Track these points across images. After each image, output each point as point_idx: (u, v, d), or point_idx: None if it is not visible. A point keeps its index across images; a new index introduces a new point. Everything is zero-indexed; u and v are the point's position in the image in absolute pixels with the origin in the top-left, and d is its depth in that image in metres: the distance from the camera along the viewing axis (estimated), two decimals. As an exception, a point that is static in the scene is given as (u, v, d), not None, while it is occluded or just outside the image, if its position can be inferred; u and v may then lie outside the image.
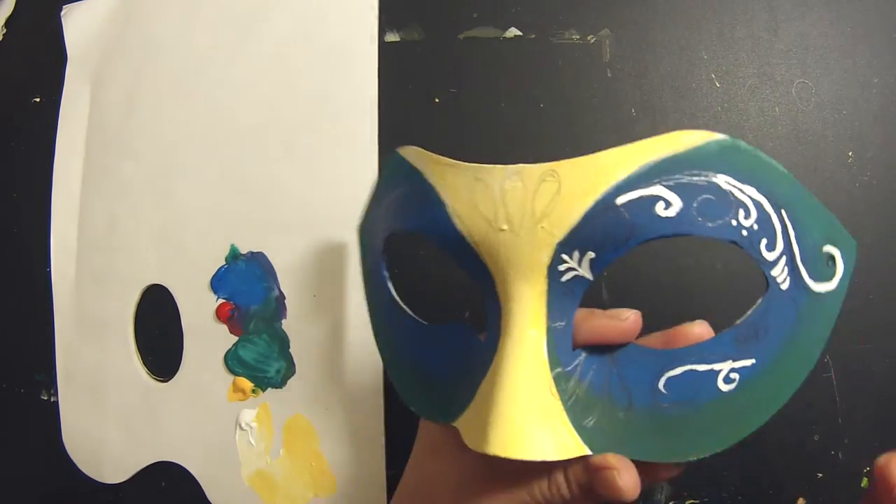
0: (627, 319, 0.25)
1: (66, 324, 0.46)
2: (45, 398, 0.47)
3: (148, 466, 0.43)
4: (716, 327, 0.25)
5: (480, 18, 0.40)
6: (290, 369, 0.40)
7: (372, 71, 0.40)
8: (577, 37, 0.39)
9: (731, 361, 0.24)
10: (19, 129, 0.49)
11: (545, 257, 0.23)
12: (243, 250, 0.42)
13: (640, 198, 0.22)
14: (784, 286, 0.23)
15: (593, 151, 0.23)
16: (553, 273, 0.24)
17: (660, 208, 0.22)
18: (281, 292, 0.41)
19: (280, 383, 0.41)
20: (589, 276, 0.24)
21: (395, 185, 0.29)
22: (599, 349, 0.26)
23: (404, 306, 0.30)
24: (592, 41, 0.38)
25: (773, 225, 0.23)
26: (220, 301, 0.42)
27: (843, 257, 0.25)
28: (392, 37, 0.41)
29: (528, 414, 0.23)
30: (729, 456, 0.34)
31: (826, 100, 0.36)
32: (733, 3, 0.37)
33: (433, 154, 0.26)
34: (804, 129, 0.36)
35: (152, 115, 0.45)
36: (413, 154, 0.27)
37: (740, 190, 0.22)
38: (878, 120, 0.36)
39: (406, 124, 0.40)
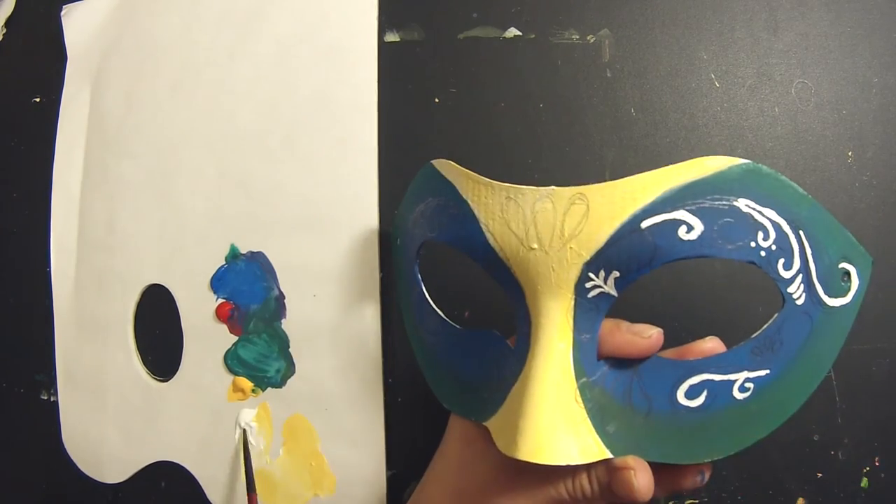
0: (650, 337, 0.27)
1: (66, 324, 0.46)
2: (45, 398, 0.47)
3: (148, 466, 0.43)
4: (730, 335, 0.26)
5: (480, 18, 0.40)
6: (290, 369, 0.40)
7: (372, 71, 0.40)
8: (577, 37, 0.39)
9: (746, 372, 0.25)
10: (19, 129, 0.49)
11: (573, 275, 0.25)
12: (243, 250, 0.42)
13: (664, 222, 0.23)
14: (799, 301, 0.25)
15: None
16: (580, 290, 0.25)
17: (682, 232, 0.23)
18: (281, 292, 0.41)
19: (280, 383, 0.41)
20: (614, 293, 0.25)
21: (428, 194, 0.30)
22: (622, 360, 0.27)
23: (437, 309, 0.31)
24: (592, 41, 0.38)
25: (790, 245, 0.24)
26: (220, 301, 0.42)
27: (858, 273, 0.26)
28: (392, 37, 0.41)
29: (555, 422, 0.25)
30: (729, 456, 0.34)
31: (826, 100, 0.36)
32: (733, 3, 0.37)
33: (467, 170, 0.27)
34: (804, 129, 0.36)
35: (152, 115, 0.45)
36: (447, 167, 0.29)
37: (760, 213, 0.24)
38: (878, 120, 0.36)
39: (406, 124, 0.40)
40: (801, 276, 0.24)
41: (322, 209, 0.40)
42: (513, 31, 0.39)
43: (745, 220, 0.24)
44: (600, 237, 0.24)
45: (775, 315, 0.25)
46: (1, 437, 0.48)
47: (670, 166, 0.24)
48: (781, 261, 0.24)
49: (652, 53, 0.38)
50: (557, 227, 0.24)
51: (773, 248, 0.24)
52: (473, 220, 0.27)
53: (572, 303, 0.25)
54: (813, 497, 0.34)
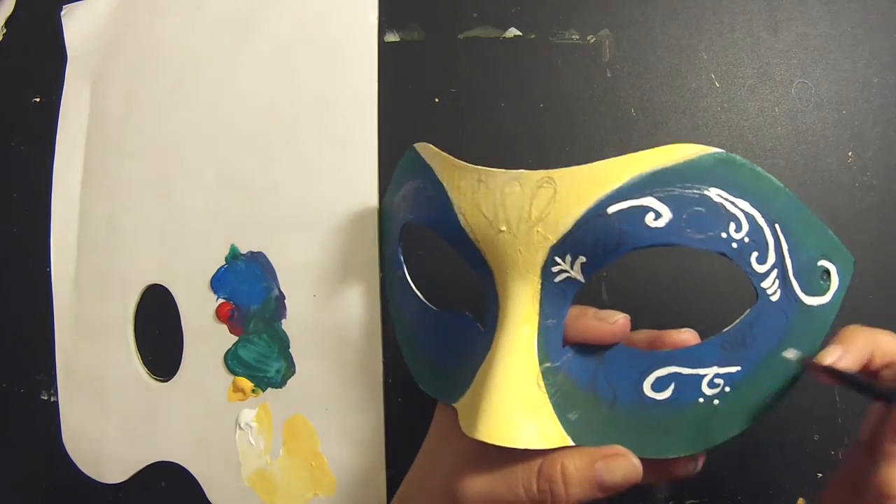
0: (616, 323, 0.26)
1: (66, 324, 0.46)
2: (45, 398, 0.47)
3: (148, 466, 0.43)
4: (709, 331, 0.26)
5: (480, 18, 0.40)
6: (290, 369, 0.40)
7: (372, 71, 0.40)
8: (577, 37, 0.39)
9: (716, 367, 0.25)
10: (19, 129, 0.49)
11: (539, 259, 0.25)
12: (243, 250, 0.42)
13: (631, 208, 0.23)
14: (774, 298, 0.24)
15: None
16: (546, 274, 0.25)
17: (650, 219, 0.23)
18: (281, 292, 0.41)
19: (280, 383, 0.41)
20: (580, 278, 0.25)
21: (410, 177, 0.31)
22: (589, 347, 0.27)
23: (417, 291, 0.32)
24: (592, 41, 0.38)
25: (765, 238, 0.24)
26: (220, 301, 0.42)
27: (838, 272, 0.25)
28: (392, 37, 0.41)
29: (516, 405, 0.24)
30: (729, 456, 0.34)
31: (826, 100, 0.36)
32: (733, 3, 0.37)
33: (444, 153, 0.28)
34: (804, 129, 0.36)
35: (152, 115, 0.45)
36: (426, 151, 0.29)
37: (732, 203, 0.23)
38: (878, 120, 0.36)
39: (406, 124, 0.40)
40: (776, 271, 0.24)
41: (322, 209, 0.40)
42: (513, 31, 0.39)
43: (717, 210, 0.23)
44: (567, 221, 0.24)
45: (748, 310, 0.24)
46: (1, 437, 0.48)
47: (640, 152, 0.23)
48: (755, 254, 0.24)
49: (652, 53, 0.38)
50: (525, 209, 0.24)
51: (746, 240, 0.23)
52: (447, 201, 0.27)
53: (539, 287, 0.25)
54: (813, 497, 0.34)
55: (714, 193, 0.23)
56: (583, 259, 0.24)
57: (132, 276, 0.44)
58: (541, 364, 0.25)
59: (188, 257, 0.43)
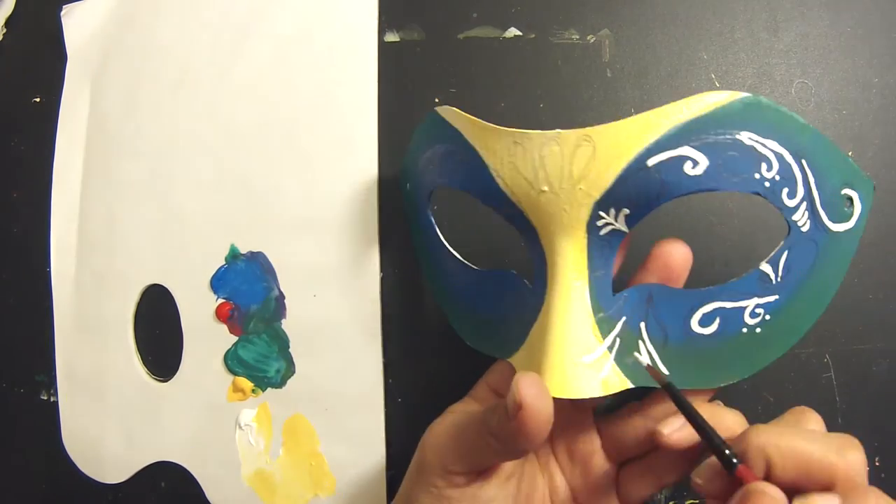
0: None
1: (66, 324, 0.46)
2: (45, 398, 0.47)
3: (148, 466, 0.44)
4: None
5: (480, 18, 0.40)
6: (290, 369, 0.40)
7: (372, 71, 0.40)
8: (577, 37, 0.39)
9: (756, 298, 0.26)
10: (19, 129, 0.49)
11: (584, 215, 0.25)
12: (243, 250, 0.42)
13: (670, 158, 0.24)
14: (805, 228, 0.26)
15: None
16: (592, 228, 0.26)
17: (688, 167, 0.24)
18: (281, 292, 0.41)
19: (280, 383, 0.41)
20: (625, 228, 0.26)
21: (435, 141, 0.31)
22: (636, 292, 0.28)
23: (454, 252, 0.32)
24: (592, 41, 0.38)
25: (794, 174, 0.25)
26: (220, 301, 0.42)
27: (860, 198, 0.27)
28: (392, 37, 0.41)
29: (577, 360, 0.26)
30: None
31: (826, 100, 0.36)
32: (733, 3, 0.37)
33: (471, 116, 0.28)
34: (804, 129, 0.36)
35: (152, 115, 0.45)
36: (451, 114, 0.29)
37: (763, 144, 0.24)
38: (878, 120, 0.35)
39: (406, 124, 0.40)
40: (805, 203, 0.25)
41: (322, 209, 0.40)
42: (513, 31, 0.39)
43: (749, 153, 0.24)
44: (608, 177, 0.24)
45: (781, 242, 0.26)
46: (1, 437, 0.48)
47: (672, 104, 0.24)
48: (785, 190, 0.25)
49: (652, 53, 0.38)
50: (566, 169, 0.25)
51: (777, 178, 0.24)
52: (482, 165, 0.27)
53: (585, 241, 0.26)
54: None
55: (745, 137, 0.24)
56: (626, 211, 0.25)
57: (132, 276, 0.44)
58: (595, 314, 0.26)
59: (188, 257, 0.43)
